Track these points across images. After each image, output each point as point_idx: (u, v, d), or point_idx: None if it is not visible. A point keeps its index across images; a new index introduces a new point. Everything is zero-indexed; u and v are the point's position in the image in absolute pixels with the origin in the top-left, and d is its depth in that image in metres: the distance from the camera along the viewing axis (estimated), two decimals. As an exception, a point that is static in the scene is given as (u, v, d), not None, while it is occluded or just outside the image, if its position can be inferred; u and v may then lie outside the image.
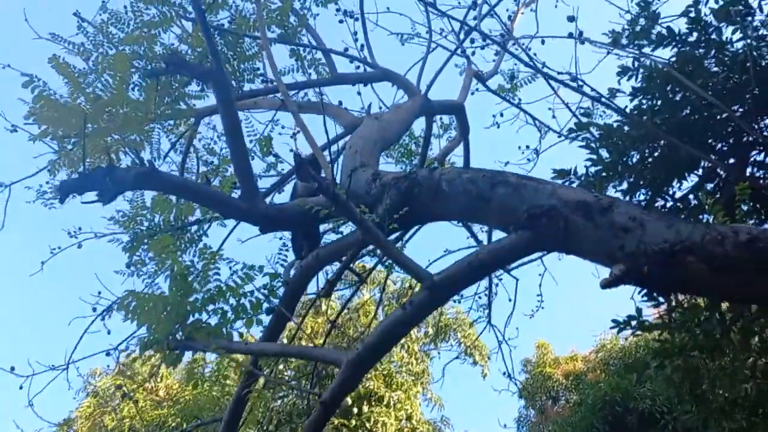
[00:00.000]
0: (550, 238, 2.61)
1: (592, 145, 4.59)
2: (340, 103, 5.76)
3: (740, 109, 4.32)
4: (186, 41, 4.69)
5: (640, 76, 4.61)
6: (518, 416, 18.02)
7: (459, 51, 6.44)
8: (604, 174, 4.56)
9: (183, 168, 5.75)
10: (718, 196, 4.37)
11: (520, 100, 7.12)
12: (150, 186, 3.51)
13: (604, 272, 2.48)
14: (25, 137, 3.74)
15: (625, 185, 4.60)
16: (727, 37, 4.29)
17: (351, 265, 4.22)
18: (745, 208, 4.01)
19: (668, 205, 4.65)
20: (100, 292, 4.03)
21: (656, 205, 4.58)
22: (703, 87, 4.22)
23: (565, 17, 4.98)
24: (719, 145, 4.55)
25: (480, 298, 7.11)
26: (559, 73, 4.99)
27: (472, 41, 6.46)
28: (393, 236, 4.59)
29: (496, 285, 7.00)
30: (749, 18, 4.23)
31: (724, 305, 4.34)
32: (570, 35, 4.89)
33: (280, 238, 4.71)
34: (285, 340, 5.69)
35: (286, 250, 4.02)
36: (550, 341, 18.92)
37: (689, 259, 2.22)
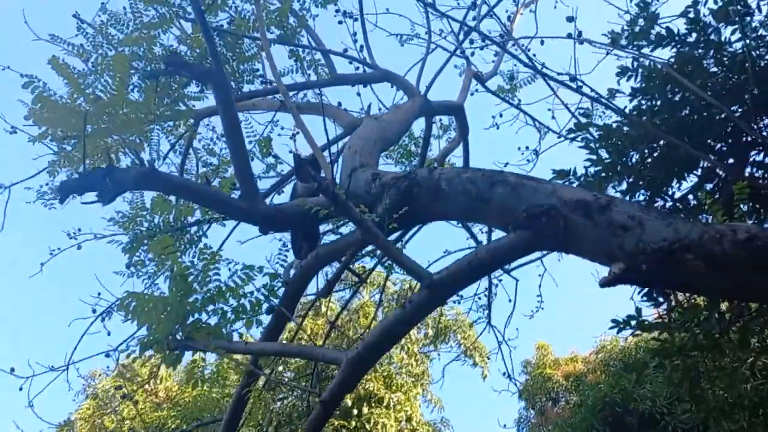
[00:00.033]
0: (549, 238, 2.62)
1: (592, 145, 4.60)
2: (340, 104, 5.77)
3: (739, 110, 4.33)
4: (185, 42, 4.69)
5: (639, 76, 4.62)
6: (518, 417, 18.02)
7: (458, 52, 6.45)
8: (603, 174, 4.57)
9: (182, 169, 5.76)
10: (717, 196, 4.38)
11: (519, 101, 7.13)
12: (150, 186, 3.51)
13: (604, 272, 2.49)
14: (25, 139, 3.75)
15: (624, 185, 4.62)
16: (725, 38, 4.31)
17: (350, 265, 4.22)
18: (744, 208, 4.02)
19: (668, 205, 4.66)
20: (99, 293, 4.03)
21: (656, 205, 4.59)
22: (702, 87, 4.23)
23: (564, 18, 5.00)
24: (718, 146, 4.56)
25: (480, 298, 7.12)
26: (558, 73, 5.00)
27: (472, 42, 6.47)
28: (393, 237, 4.60)
29: (496, 286, 7.01)
30: (748, 18, 4.24)
31: (724, 305, 4.35)
32: (569, 36, 4.90)
33: (280, 239, 4.72)
34: (285, 342, 5.69)
35: (286, 251, 4.03)
36: (550, 342, 18.92)
37: (688, 257, 2.23)
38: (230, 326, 3.36)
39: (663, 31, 4.52)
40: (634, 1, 4.68)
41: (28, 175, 4.36)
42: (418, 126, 6.67)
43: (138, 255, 4.12)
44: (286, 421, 13.19)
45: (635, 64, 4.62)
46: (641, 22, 4.65)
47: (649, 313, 4.57)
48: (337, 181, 3.36)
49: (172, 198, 4.29)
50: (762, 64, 4.23)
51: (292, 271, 3.87)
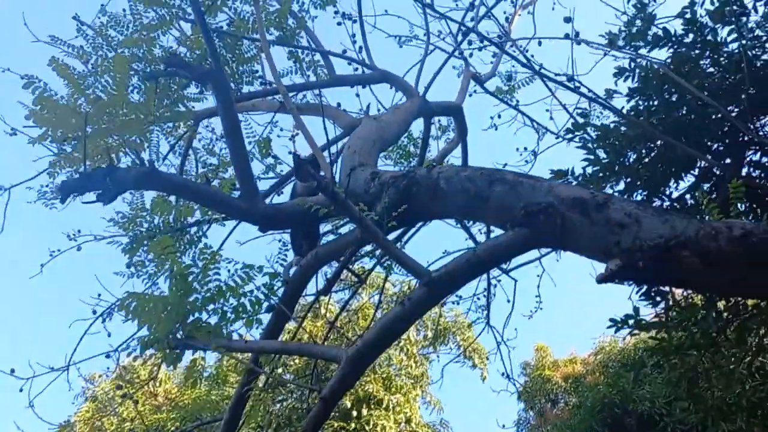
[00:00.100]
0: (547, 235, 2.64)
1: (589, 145, 4.63)
2: (339, 104, 5.79)
3: (736, 109, 4.36)
4: (185, 44, 4.71)
5: (636, 77, 4.64)
6: (517, 419, 18.04)
7: (457, 53, 6.48)
8: (601, 174, 4.59)
9: (182, 170, 5.78)
10: (714, 195, 4.40)
11: (517, 101, 7.17)
12: (150, 186, 3.53)
13: (601, 270, 2.51)
14: (25, 140, 3.76)
15: (622, 185, 4.64)
16: (722, 38, 4.33)
17: (350, 265, 4.24)
18: (741, 207, 4.05)
19: (665, 205, 4.68)
20: (99, 294, 4.04)
21: (653, 204, 4.61)
22: (699, 87, 4.26)
23: (562, 19, 5.03)
24: (715, 145, 4.58)
25: (479, 299, 7.14)
26: (556, 74, 5.03)
27: (470, 43, 6.50)
28: (392, 237, 4.62)
29: (495, 286, 7.03)
30: (744, 18, 4.27)
31: (721, 304, 4.37)
32: (567, 36, 4.93)
33: (280, 240, 4.74)
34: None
35: (286, 250, 4.05)
36: (549, 344, 18.95)
37: (684, 253, 2.25)
38: (230, 326, 3.38)
39: (660, 32, 4.55)
40: (632, 2, 4.71)
41: (28, 176, 4.39)
42: (417, 127, 6.71)
43: (138, 255, 4.13)
44: (285, 422, 13.20)
45: (632, 64, 4.64)
46: (638, 23, 4.67)
47: (647, 313, 4.60)
48: (337, 180, 3.39)
49: (172, 198, 4.32)
50: (758, 65, 4.26)
51: (291, 270, 3.89)
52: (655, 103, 4.53)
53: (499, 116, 7.31)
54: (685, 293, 4.62)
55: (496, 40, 6.26)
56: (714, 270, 2.27)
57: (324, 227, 5.11)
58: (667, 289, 4.37)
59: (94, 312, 4.27)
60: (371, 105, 5.64)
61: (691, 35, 4.46)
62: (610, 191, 4.61)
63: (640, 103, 4.62)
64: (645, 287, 4.33)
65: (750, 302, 4.24)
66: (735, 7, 4.23)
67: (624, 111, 4.61)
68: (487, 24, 12.54)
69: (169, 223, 4.18)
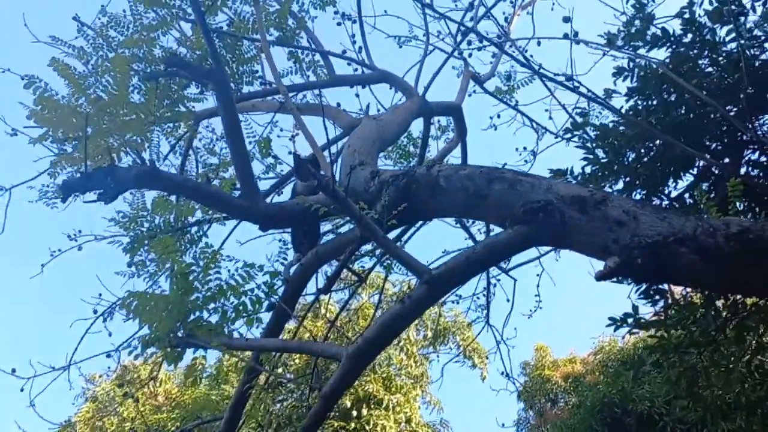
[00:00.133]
0: (546, 233, 2.66)
1: (588, 145, 4.64)
2: (339, 104, 5.80)
3: (734, 109, 4.38)
4: (185, 44, 4.73)
5: (635, 76, 4.66)
6: (517, 419, 18.05)
7: (456, 53, 6.49)
8: (600, 174, 4.61)
9: (182, 170, 5.79)
10: (712, 195, 4.42)
11: (517, 101, 7.18)
12: (151, 185, 3.54)
13: (600, 267, 2.53)
14: (25, 141, 3.78)
15: (621, 184, 4.66)
16: (720, 38, 4.35)
17: (350, 264, 4.25)
18: (740, 206, 4.06)
19: (664, 204, 4.70)
20: (100, 294, 4.06)
21: (651, 203, 4.63)
22: (698, 87, 4.27)
23: (561, 19, 5.05)
24: (714, 145, 4.60)
25: (478, 298, 7.15)
26: (555, 74, 5.05)
27: (469, 43, 6.51)
28: (392, 236, 4.63)
29: (494, 285, 7.04)
30: (742, 18, 4.28)
31: (720, 303, 4.39)
32: (565, 36, 4.95)
33: (280, 240, 4.75)
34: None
35: (287, 250, 4.06)
36: (549, 343, 18.96)
37: (682, 250, 2.27)
38: (231, 324, 3.40)
39: (659, 32, 4.56)
40: (630, 2, 4.72)
41: (28, 177, 4.40)
42: (417, 127, 6.72)
43: (139, 255, 4.14)
44: (285, 422, 13.21)
45: (631, 64, 4.66)
46: (637, 23, 4.69)
47: (646, 312, 4.61)
48: (337, 179, 3.40)
49: (173, 198, 4.33)
50: (757, 64, 4.27)
51: (292, 269, 3.90)
52: (654, 102, 4.54)
53: (499, 116, 7.34)
54: (684, 292, 4.64)
55: (495, 40, 6.28)
56: (712, 267, 2.29)
57: (324, 227, 5.13)
58: (665, 287, 4.39)
59: (95, 311, 4.29)
60: (371, 105, 5.65)
61: (689, 35, 4.48)
62: (609, 190, 4.62)
63: (639, 102, 4.64)
64: (644, 286, 4.35)
65: (749, 301, 4.26)
66: (733, 7, 4.25)
67: (623, 110, 4.63)
68: (486, 24, 12.56)
69: (169, 222, 4.20)
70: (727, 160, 4.55)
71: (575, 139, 4.73)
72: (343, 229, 5.20)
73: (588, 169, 4.63)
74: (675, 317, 4.34)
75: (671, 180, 4.64)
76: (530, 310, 7.14)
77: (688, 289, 4.63)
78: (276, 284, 3.55)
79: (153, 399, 14.70)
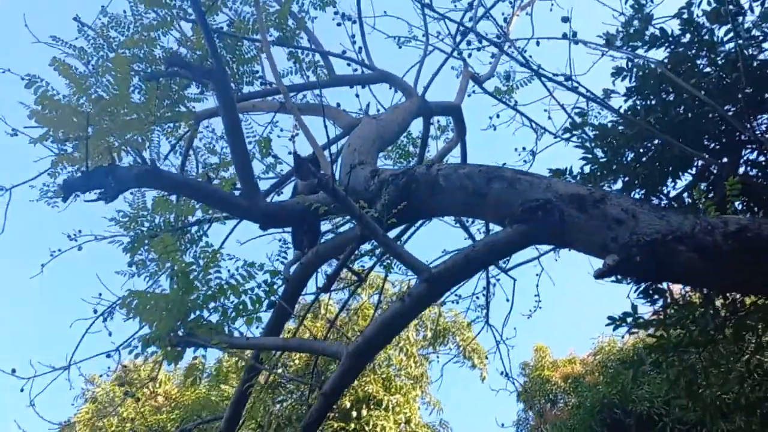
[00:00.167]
0: (545, 231, 2.67)
1: (587, 144, 4.65)
2: (338, 104, 5.82)
3: (732, 109, 4.39)
4: (185, 44, 4.75)
5: (634, 76, 4.67)
6: (517, 419, 18.05)
7: (455, 53, 6.51)
8: (599, 173, 4.62)
9: (183, 170, 5.80)
10: (711, 195, 4.43)
11: (516, 102, 7.20)
12: (152, 184, 3.56)
13: (599, 266, 2.54)
14: (25, 141, 3.79)
15: (619, 184, 4.67)
16: (718, 38, 4.36)
17: (350, 263, 4.26)
18: (739, 206, 4.08)
19: (662, 203, 4.71)
20: (100, 294, 4.07)
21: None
22: (696, 87, 4.29)
23: (560, 20, 5.07)
24: (712, 144, 4.61)
25: (478, 298, 7.16)
26: (554, 74, 5.06)
27: (469, 43, 6.53)
28: (392, 235, 4.64)
29: (494, 285, 7.05)
30: (740, 18, 4.30)
31: (719, 302, 4.39)
32: (564, 36, 4.96)
33: (280, 239, 4.76)
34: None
35: (287, 249, 4.07)
36: (548, 344, 18.96)
37: (680, 248, 2.29)
38: (231, 324, 3.41)
39: (657, 32, 4.58)
40: (629, 2, 4.74)
41: (28, 177, 4.41)
42: (416, 127, 6.74)
43: (139, 254, 4.16)
44: (285, 423, 13.21)
45: (630, 64, 4.67)
46: (636, 23, 4.70)
47: (645, 311, 4.62)
48: (337, 178, 3.41)
49: (173, 198, 4.34)
50: (755, 64, 4.29)
51: (292, 268, 3.91)
52: (653, 102, 4.56)
53: (498, 116, 7.36)
54: (682, 291, 4.65)
55: (494, 40, 6.29)
56: (710, 265, 2.30)
57: (324, 227, 5.13)
58: (664, 286, 4.40)
59: (95, 311, 4.30)
60: (371, 105, 5.67)
61: (688, 35, 4.49)
62: (608, 190, 4.63)
63: (638, 102, 4.65)
64: (643, 285, 4.35)
65: (747, 300, 4.27)
66: (731, 7, 4.26)
67: (622, 110, 4.64)
68: (485, 25, 12.59)
69: (169, 222, 4.21)
70: (725, 159, 4.56)
71: (574, 138, 4.74)
72: (342, 229, 5.21)
73: (587, 169, 4.64)
74: (674, 316, 4.35)
75: (670, 179, 4.65)
76: (530, 310, 7.17)
77: (687, 289, 4.65)
78: (276, 283, 3.56)
79: (153, 400, 14.69)
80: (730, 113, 4.31)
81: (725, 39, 4.34)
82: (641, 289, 4.39)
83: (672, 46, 4.55)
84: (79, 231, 4.64)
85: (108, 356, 4.13)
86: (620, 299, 4.59)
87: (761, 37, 4.33)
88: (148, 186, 3.74)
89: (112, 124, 3.67)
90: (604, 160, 4.61)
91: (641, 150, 4.57)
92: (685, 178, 4.66)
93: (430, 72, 5.94)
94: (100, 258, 5.11)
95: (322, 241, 4.02)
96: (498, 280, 7.03)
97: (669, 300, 4.42)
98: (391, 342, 11.67)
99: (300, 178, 4.15)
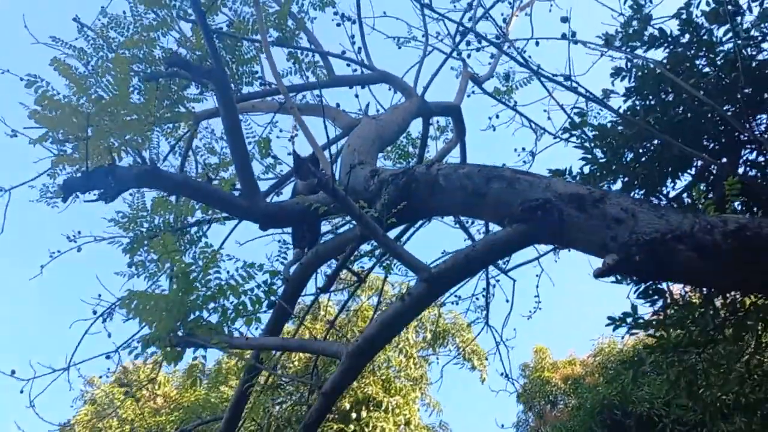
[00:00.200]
0: (544, 231, 2.67)
1: (587, 145, 4.66)
2: (338, 105, 5.82)
3: (731, 109, 4.40)
4: (185, 45, 4.75)
5: (633, 77, 4.68)
6: (517, 421, 18.06)
7: (455, 54, 6.51)
8: (598, 173, 4.62)
9: (182, 171, 5.80)
10: (710, 195, 4.44)
11: (515, 102, 7.20)
12: (152, 184, 3.56)
13: (599, 265, 2.54)
14: (24, 142, 3.79)
15: (619, 184, 4.67)
16: (717, 38, 4.37)
17: (350, 264, 4.26)
18: (738, 206, 4.08)
19: (662, 203, 4.71)
20: (100, 294, 4.07)
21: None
22: (695, 87, 4.29)
23: (559, 20, 5.07)
24: (711, 145, 4.62)
25: (477, 299, 7.16)
26: (553, 75, 5.06)
27: (468, 44, 6.54)
28: (392, 236, 4.64)
29: (494, 286, 7.05)
30: (739, 18, 4.31)
31: (718, 302, 4.39)
32: (563, 36, 4.96)
33: (279, 240, 4.76)
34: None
35: (286, 249, 4.07)
36: (548, 345, 18.99)
37: (679, 247, 2.29)
38: (231, 324, 3.41)
39: (656, 33, 4.59)
40: (628, 3, 4.75)
41: (27, 178, 4.42)
42: (416, 127, 6.75)
43: (139, 255, 4.16)
44: (284, 425, 13.21)
45: (629, 64, 4.68)
46: (635, 23, 4.71)
47: (645, 312, 4.62)
48: (337, 178, 3.42)
49: (172, 199, 4.34)
50: (754, 64, 4.29)
51: (292, 268, 3.91)
52: (652, 102, 4.56)
53: (497, 116, 7.36)
54: (682, 291, 4.65)
55: (494, 40, 6.30)
56: (709, 264, 2.30)
57: (323, 227, 5.14)
58: (664, 287, 4.40)
59: (95, 312, 4.30)
60: (370, 105, 5.67)
61: (687, 35, 4.50)
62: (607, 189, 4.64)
63: (637, 102, 4.65)
64: (642, 286, 4.35)
65: (747, 300, 4.27)
66: (730, 8, 4.27)
67: (621, 110, 4.64)
68: (485, 26, 12.60)
69: (169, 223, 4.21)
70: (724, 159, 4.57)
71: (573, 139, 4.74)
72: (342, 230, 5.21)
73: (586, 169, 4.65)
74: (674, 317, 4.35)
75: (669, 180, 4.65)
76: (529, 311, 7.16)
77: (687, 289, 4.65)
78: (276, 284, 3.57)
79: (152, 401, 14.70)
80: (730, 113, 4.32)
81: (724, 39, 4.35)
82: (641, 289, 4.38)
83: (671, 47, 4.56)
84: (79, 232, 4.65)
85: (107, 357, 4.13)
86: (620, 300, 4.60)
87: (760, 37, 4.34)
88: (148, 186, 3.74)
89: (112, 125, 3.66)
90: (604, 160, 4.61)
91: (640, 150, 4.58)
92: (685, 179, 4.67)
93: (429, 72, 5.95)
94: (100, 259, 5.12)
95: (322, 241, 4.02)
96: (498, 281, 7.04)
97: (669, 300, 4.41)
98: (391, 342, 11.68)
99: (299, 178, 4.15)
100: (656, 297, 4.42)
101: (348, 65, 5.98)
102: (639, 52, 4.67)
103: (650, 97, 4.57)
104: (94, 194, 3.45)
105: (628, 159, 4.60)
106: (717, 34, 4.39)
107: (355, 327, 13.27)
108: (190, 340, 3.25)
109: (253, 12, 4.95)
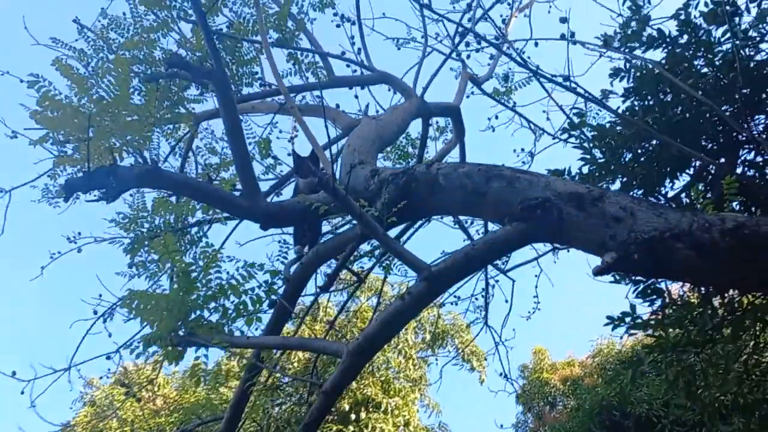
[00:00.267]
0: (543, 230, 2.69)
1: (586, 145, 4.67)
2: (338, 105, 5.84)
3: (730, 109, 4.41)
4: (185, 46, 4.77)
5: (631, 77, 4.69)
6: (516, 422, 18.08)
7: (454, 54, 6.53)
8: (597, 174, 4.64)
9: (182, 172, 5.82)
10: (709, 195, 4.45)
11: (514, 103, 7.22)
12: (153, 184, 3.57)
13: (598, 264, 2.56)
14: (24, 143, 3.81)
15: (617, 184, 4.68)
16: (715, 38, 4.39)
17: (350, 264, 4.27)
18: (736, 206, 4.09)
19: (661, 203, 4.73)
20: (101, 295, 4.09)
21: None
22: (694, 87, 4.31)
23: (558, 21, 5.09)
24: (710, 145, 4.63)
25: (477, 299, 7.17)
26: (552, 75, 5.08)
27: (467, 45, 6.56)
28: (392, 236, 4.65)
29: (493, 287, 7.07)
30: (737, 19, 4.32)
31: (717, 302, 4.41)
32: (562, 36, 4.98)
33: (279, 241, 4.77)
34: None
35: (287, 249, 4.09)
36: (547, 346, 19.02)
37: (677, 246, 2.30)
38: (231, 323, 3.42)
39: (655, 33, 4.60)
40: (627, 4, 4.77)
41: (28, 179, 4.43)
42: (415, 128, 6.76)
43: (139, 255, 4.17)
44: (284, 426, 13.21)
45: (628, 65, 4.70)
46: (633, 24, 4.73)
47: (644, 311, 4.63)
48: (337, 178, 3.43)
49: (173, 199, 4.36)
50: (752, 65, 4.31)
51: (292, 268, 3.93)
52: (651, 102, 4.57)
53: (497, 117, 7.37)
54: (681, 291, 4.67)
55: (493, 41, 6.32)
56: (707, 262, 2.32)
57: (323, 228, 5.15)
58: (663, 286, 4.41)
59: (95, 312, 4.31)
60: (370, 106, 5.69)
61: (685, 36, 4.51)
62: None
63: (636, 103, 4.66)
64: (641, 286, 4.37)
65: (745, 299, 4.29)
66: (728, 8, 4.29)
67: (620, 111, 4.66)
68: (484, 27, 12.63)
69: (170, 223, 4.22)
70: (723, 159, 4.58)
71: (572, 139, 4.75)
72: (342, 230, 5.22)
73: (585, 169, 4.66)
74: (672, 316, 4.36)
75: (668, 180, 4.66)
76: (529, 312, 7.17)
77: (686, 289, 4.66)
78: (276, 283, 3.58)
79: (151, 403, 14.69)
80: (728, 113, 4.33)
81: (722, 40, 4.37)
82: (639, 289, 4.40)
83: (669, 47, 4.57)
84: (79, 233, 4.66)
85: (108, 358, 4.15)
86: (619, 301, 4.61)
87: (758, 38, 4.36)
88: (149, 186, 3.75)
89: (113, 125, 3.68)
90: (603, 160, 4.62)
91: (639, 150, 4.59)
92: (683, 179, 4.68)
93: (429, 73, 5.96)
94: (100, 259, 5.13)
95: (322, 241, 4.04)
96: (497, 281, 7.05)
97: (667, 300, 4.43)
98: (391, 340, 11.68)
99: (300, 176, 4.16)
100: (655, 297, 4.43)
101: (348, 66, 6.01)
102: (638, 52, 4.69)
103: (649, 98, 4.58)
104: (96, 194, 3.46)
105: (627, 159, 4.62)
106: (715, 34, 4.40)
107: (355, 328, 13.29)
108: (191, 339, 3.27)
109: (253, 13, 4.97)
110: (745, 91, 4.26)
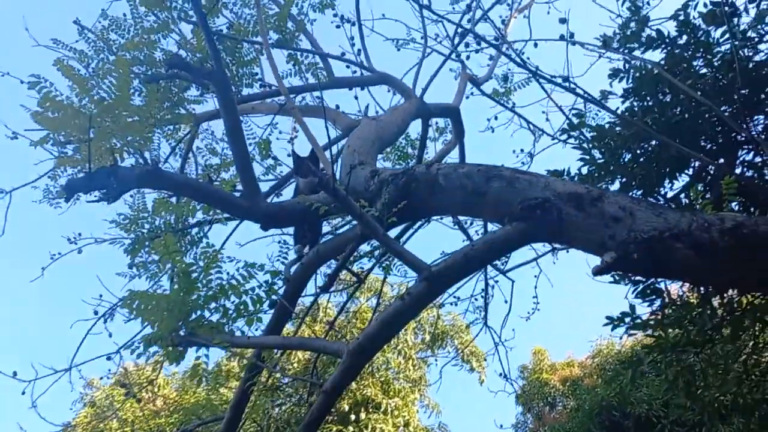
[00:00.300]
0: (543, 230, 2.70)
1: (585, 145, 4.68)
2: (338, 106, 5.85)
3: (728, 109, 4.42)
4: (185, 47, 4.78)
5: (631, 78, 4.70)
6: (515, 422, 18.08)
7: (454, 55, 6.54)
8: (596, 174, 4.65)
9: (182, 173, 5.83)
10: (708, 195, 4.46)
11: (514, 104, 7.23)
12: (153, 184, 3.58)
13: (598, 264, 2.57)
14: (25, 144, 3.81)
15: (617, 185, 4.69)
16: (714, 39, 4.40)
17: (349, 264, 4.28)
18: (735, 207, 4.10)
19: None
20: (101, 295, 4.09)
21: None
22: (693, 88, 4.32)
23: (557, 22, 5.11)
24: (709, 145, 4.64)
25: (476, 299, 7.18)
26: (552, 76, 5.09)
27: (467, 45, 6.57)
28: (392, 236, 4.66)
29: (492, 287, 7.08)
30: (736, 20, 4.34)
31: (716, 302, 4.42)
32: (561, 37, 5.00)
33: (279, 242, 4.78)
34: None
35: (287, 249, 4.10)
36: (547, 347, 19.03)
37: (677, 245, 2.31)
38: (232, 324, 3.43)
39: (654, 34, 4.61)
40: (626, 5, 4.78)
41: (28, 179, 4.44)
42: (415, 129, 6.77)
43: (140, 256, 4.18)
44: (284, 426, 13.21)
45: (627, 66, 4.71)
46: (632, 25, 4.74)
47: (643, 312, 4.64)
48: (337, 178, 3.44)
49: (173, 200, 4.37)
50: (750, 65, 4.32)
51: (293, 268, 3.94)
52: (650, 103, 4.58)
53: (496, 118, 7.39)
54: (680, 291, 4.67)
55: (492, 42, 6.33)
56: (706, 262, 2.33)
57: (323, 229, 5.16)
58: (662, 287, 4.42)
59: (96, 313, 4.31)
60: (370, 106, 5.71)
61: (684, 37, 4.52)
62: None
63: (635, 103, 4.67)
64: (641, 286, 4.38)
65: (744, 299, 4.29)
66: (727, 9, 4.30)
67: (619, 111, 4.67)
68: (483, 27, 12.63)
69: (170, 223, 4.23)
70: (722, 160, 4.59)
71: (572, 140, 4.76)
72: (342, 231, 5.23)
73: (585, 170, 4.67)
74: (672, 316, 4.37)
75: (667, 180, 4.67)
76: (528, 312, 7.18)
77: (685, 289, 4.67)
78: (277, 283, 3.59)
79: (151, 404, 14.69)
80: (727, 114, 4.34)
81: (721, 40, 4.38)
82: (639, 289, 4.41)
83: (668, 48, 4.58)
84: (79, 234, 4.67)
85: (108, 358, 4.15)
86: (618, 301, 4.62)
87: (757, 39, 4.37)
88: (150, 186, 3.76)
89: (114, 126, 3.69)
90: (602, 161, 4.63)
91: (638, 151, 4.60)
92: (682, 179, 4.69)
93: (428, 74, 5.98)
94: (101, 260, 5.14)
95: (322, 241, 4.05)
96: (496, 281, 7.06)
97: (667, 300, 4.44)
98: (391, 340, 11.69)
99: (300, 176, 4.17)
100: (654, 297, 4.44)
101: (347, 67, 6.02)
102: (637, 53, 4.70)
103: (648, 98, 4.59)
104: (97, 195, 3.47)
105: (626, 159, 4.63)
106: (714, 35, 4.41)
107: (354, 329, 13.29)
108: (192, 339, 3.27)
109: (253, 14, 4.98)
110: (743, 91, 4.27)
